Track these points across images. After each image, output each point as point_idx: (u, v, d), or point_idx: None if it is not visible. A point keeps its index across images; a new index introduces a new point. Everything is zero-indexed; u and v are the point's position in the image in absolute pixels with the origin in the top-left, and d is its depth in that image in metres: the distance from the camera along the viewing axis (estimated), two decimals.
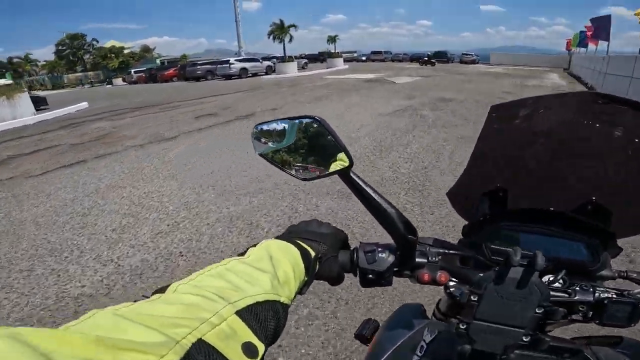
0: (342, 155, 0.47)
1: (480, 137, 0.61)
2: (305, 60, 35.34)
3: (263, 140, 0.52)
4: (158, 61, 47.02)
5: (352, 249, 0.53)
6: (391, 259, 0.50)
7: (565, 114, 0.60)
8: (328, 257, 0.49)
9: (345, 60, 48.29)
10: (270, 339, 0.35)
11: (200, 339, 0.27)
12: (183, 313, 0.29)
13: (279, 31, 31.45)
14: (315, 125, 0.48)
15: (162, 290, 0.33)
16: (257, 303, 0.34)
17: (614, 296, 0.46)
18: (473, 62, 38.49)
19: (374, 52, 49.50)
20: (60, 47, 50.67)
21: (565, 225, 0.51)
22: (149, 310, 0.28)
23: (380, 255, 0.50)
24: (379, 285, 0.51)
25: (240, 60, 26.85)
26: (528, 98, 0.62)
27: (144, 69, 35.13)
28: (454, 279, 0.49)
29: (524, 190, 0.58)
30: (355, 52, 54.48)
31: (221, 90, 15.84)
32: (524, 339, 0.43)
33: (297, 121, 0.50)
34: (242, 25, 32.05)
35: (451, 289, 0.45)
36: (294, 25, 31.01)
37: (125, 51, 51.41)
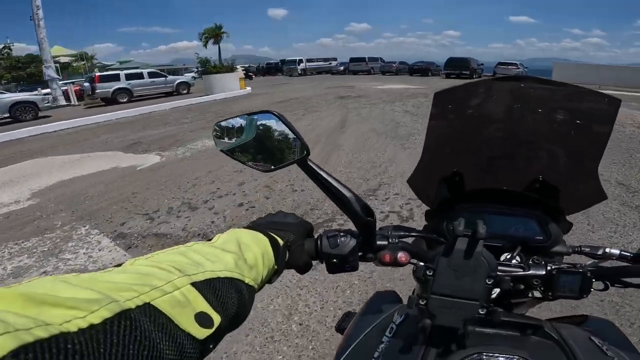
0: (298, 145, 0.49)
1: (430, 125, 0.62)
2: (181, 79, 16.60)
3: (223, 137, 0.54)
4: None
5: (316, 236, 0.54)
6: (353, 242, 0.52)
7: (508, 98, 0.60)
8: (296, 246, 0.51)
9: (320, 72, 29.75)
10: (231, 317, 0.34)
11: (149, 303, 0.26)
12: (134, 280, 0.28)
13: None
14: (272, 119, 0.50)
15: (119, 265, 0.32)
16: (217, 278, 0.34)
17: (564, 267, 0.49)
18: None
19: (353, 60, 30.75)
20: None
21: (517, 204, 0.56)
22: (97, 277, 0.27)
23: (342, 239, 0.52)
24: (345, 271, 0.53)
25: None
26: (469, 83, 0.63)
27: None
28: (414, 260, 0.51)
29: (478, 173, 0.63)
30: (334, 59, 35.43)
31: None
32: (480, 312, 0.44)
33: (254, 116, 0.51)
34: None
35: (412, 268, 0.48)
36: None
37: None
